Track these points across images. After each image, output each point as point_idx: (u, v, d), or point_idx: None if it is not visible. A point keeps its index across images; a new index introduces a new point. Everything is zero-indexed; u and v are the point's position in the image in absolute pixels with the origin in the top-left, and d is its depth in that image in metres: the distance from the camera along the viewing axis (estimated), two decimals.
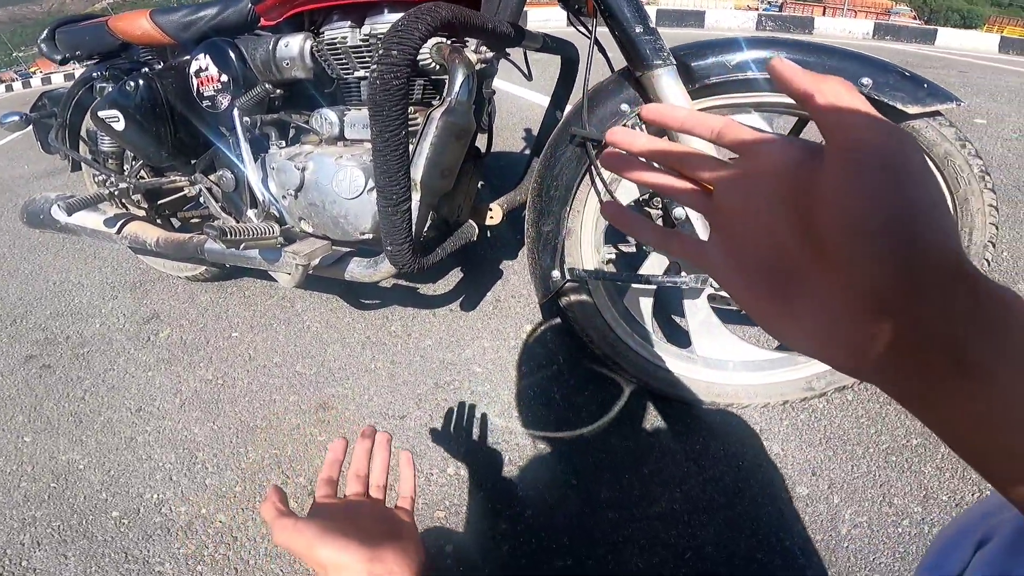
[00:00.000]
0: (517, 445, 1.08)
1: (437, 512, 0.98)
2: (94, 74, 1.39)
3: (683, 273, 0.96)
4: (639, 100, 0.87)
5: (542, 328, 1.40)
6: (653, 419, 1.10)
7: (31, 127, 1.63)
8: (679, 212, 0.86)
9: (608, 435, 1.07)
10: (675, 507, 0.93)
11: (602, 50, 0.97)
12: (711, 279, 0.90)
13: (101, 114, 1.26)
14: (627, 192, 0.96)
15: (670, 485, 0.97)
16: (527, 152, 2.37)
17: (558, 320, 1.40)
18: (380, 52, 0.72)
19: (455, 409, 1.18)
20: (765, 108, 0.89)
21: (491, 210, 1.21)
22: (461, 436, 1.12)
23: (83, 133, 1.58)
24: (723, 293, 0.99)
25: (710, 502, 0.93)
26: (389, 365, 1.34)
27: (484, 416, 1.16)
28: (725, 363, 1.04)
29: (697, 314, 1.02)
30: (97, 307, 1.81)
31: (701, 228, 0.88)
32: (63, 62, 1.51)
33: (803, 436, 1.02)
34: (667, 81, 0.80)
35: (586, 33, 0.94)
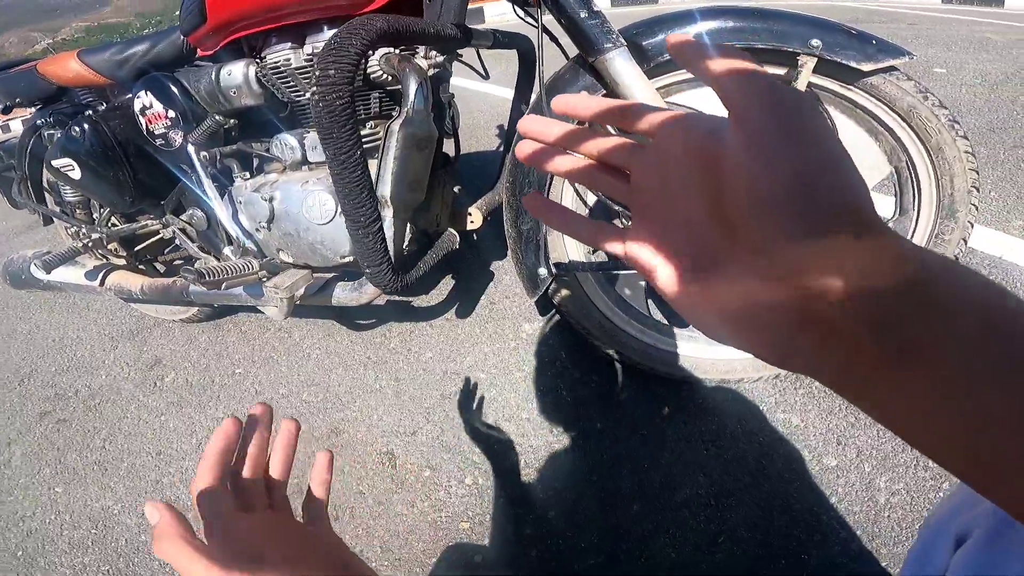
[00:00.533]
0: (531, 447, 1.07)
1: (461, 523, 0.97)
2: (39, 121, 1.33)
3: None
4: (597, 86, 0.82)
5: (540, 326, 1.38)
6: (664, 404, 1.07)
7: None
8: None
9: (620, 426, 1.06)
10: (700, 492, 0.91)
11: (553, 39, 0.92)
12: None
13: (55, 163, 1.21)
14: None
15: (691, 470, 0.95)
16: (501, 149, 2.31)
17: (556, 315, 1.38)
18: (318, 73, 0.68)
19: (465, 418, 1.17)
20: None
21: (470, 215, 1.17)
22: (474, 445, 1.11)
23: (45, 184, 1.54)
24: None
25: (735, 483, 0.91)
26: (394, 383, 1.32)
27: (494, 421, 1.14)
28: None
29: None
30: (100, 359, 1.81)
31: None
32: (5, 110, 1.45)
33: (821, 404, 0.99)
34: (620, 64, 0.76)
35: (533, 24, 0.89)
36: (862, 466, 0.88)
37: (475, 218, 1.16)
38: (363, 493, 1.08)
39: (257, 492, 0.40)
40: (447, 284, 1.65)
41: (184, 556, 0.30)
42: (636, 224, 0.24)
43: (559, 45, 0.96)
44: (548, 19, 0.82)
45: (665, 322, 1.04)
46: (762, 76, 0.19)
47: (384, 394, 1.30)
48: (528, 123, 0.27)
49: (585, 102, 0.25)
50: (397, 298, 1.63)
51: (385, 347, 1.46)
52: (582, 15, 0.75)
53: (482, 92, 3.70)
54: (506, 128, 1.33)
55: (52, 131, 1.30)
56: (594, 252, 1.00)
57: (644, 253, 0.23)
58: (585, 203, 0.94)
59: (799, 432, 0.96)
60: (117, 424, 1.48)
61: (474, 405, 1.19)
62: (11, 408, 1.69)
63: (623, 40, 0.76)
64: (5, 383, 1.83)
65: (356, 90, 0.90)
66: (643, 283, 1.02)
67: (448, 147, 1.28)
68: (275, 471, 0.44)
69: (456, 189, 1.18)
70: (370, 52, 0.87)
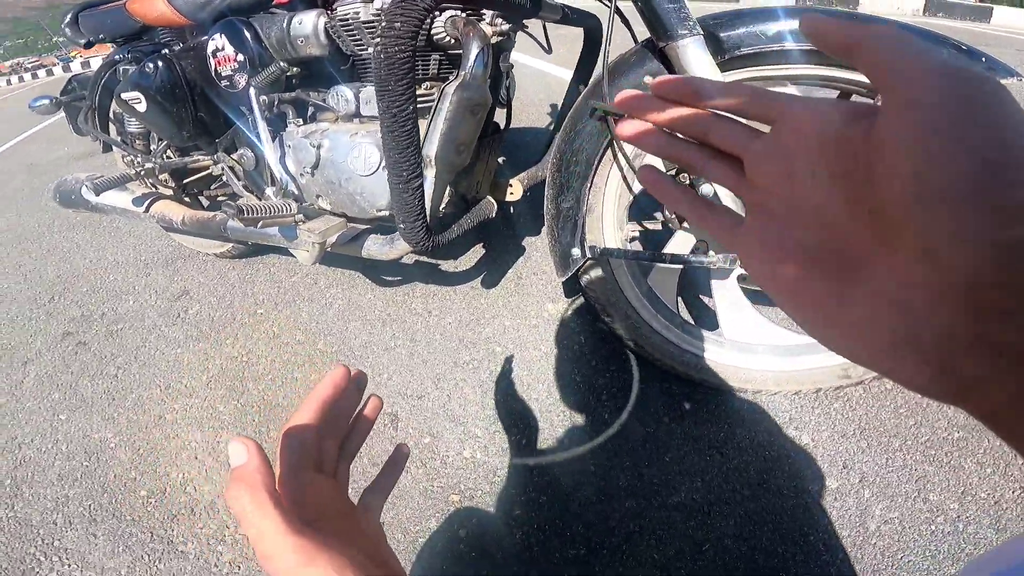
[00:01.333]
0: (535, 429, 1.07)
1: (452, 495, 0.98)
2: (117, 56, 1.40)
3: (711, 252, 0.92)
4: (663, 72, 0.82)
5: (563, 308, 1.38)
6: (676, 405, 1.06)
7: (62, 110, 1.67)
8: (706, 189, 0.81)
9: (628, 420, 1.05)
10: (695, 497, 0.90)
11: (624, 21, 0.91)
12: (738, 260, 0.85)
13: (124, 96, 1.27)
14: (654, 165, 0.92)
15: (691, 474, 0.94)
16: (551, 128, 2.32)
17: (581, 299, 1.37)
18: (384, 24, 0.70)
19: (474, 390, 1.18)
20: (802, 81, 0.83)
21: (511, 186, 1.18)
22: (479, 418, 1.11)
23: (111, 115, 1.61)
24: None
25: (733, 493, 0.90)
26: (409, 343, 1.34)
27: (502, 397, 1.15)
28: (754, 347, 0.99)
29: (726, 295, 0.98)
30: (131, 284, 1.88)
31: (734, 207, 0.84)
32: (87, 45, 1.52)
33: (836, 426, 0.97)
34: (693, 52, 0.75)
35: (605, 3, 0.89)
36: (862, 492, 0.87)
37: (515, 190, 1.17)
38: (359, 452, 1.09)
39: (330, 457, 0.37)
40: (476, 253, 1.65)
41: (259, 510, 0.26)
42: (752, 218, 0.21)
43: (630, 28, 0.95)
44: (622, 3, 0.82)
45: (691, 322, 1.03)
46: (935, 53, 0.16)
47: (398, 353, 1.31)
48: (629, 99, 0.25)
49: (690, 82, 0.23)
50: (425, 259, 1.65)
51: (406, 306, 1.47)
52: (667, 6, 0.75)
53: (538, 70, 3.70)
54: (559, 107, 1.33)
55: (128, 66, 1.36)
56: (631, 241, 1.00)
57: (760, 251, 0.20)
58: (631, 190, 0.94)
59: (808, 451, 0.94)
60: (134, 353, 1.52)
61: (485, 378, 1.20)
62: (36, 325, 1.76)
63: (700, 29, 0.76)
64: (36, 299, 1.91)
65: (418, 48, 0.92)
66: (676, 279, 1.01)
67: (499, 117, 1.29)
68: (349, 443, 0.41)
69: (500, 159, 1.18)
70: (437, 11, 0.88)
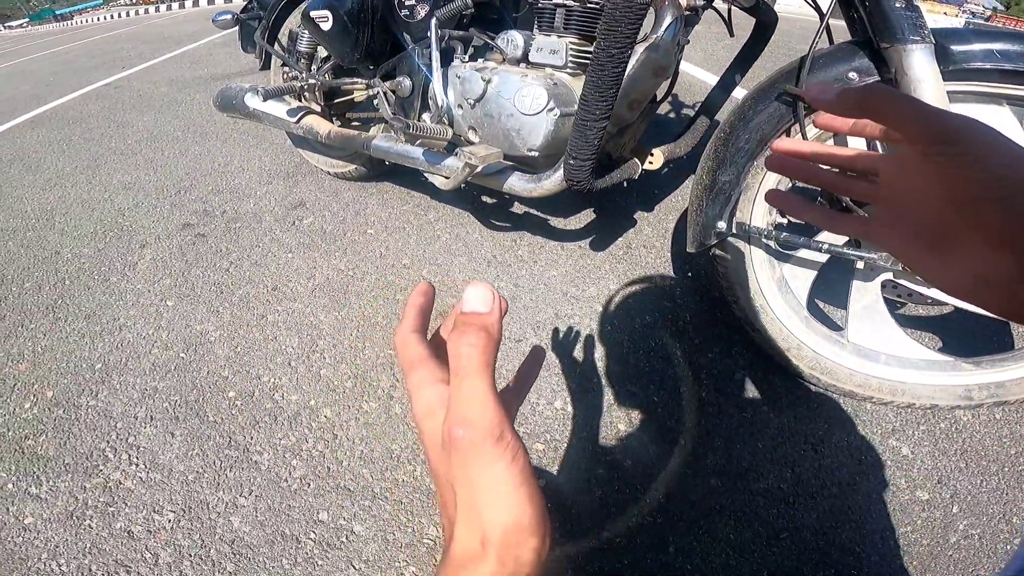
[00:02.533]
0: (629, 392, 1.07)
1: (537, 444, 0.98)
2: None
3: (865, 249, 0.90)
4: (872, 71, 0.82)
5: (672, 281, 1.38)
6: (778, 395, 1.05)
7: (237, 27, 1.83)
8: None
9: (727, 402, 1.04)
10: (782, 487, 0.90)
11: (822, 19, 0.92)
12: (892, 258, 0.84)
13: (313, 14, 1.37)
14: None
15: (782, 464, 0.93)
16: (673, 115, 2.32)
17: (690, 278, 1.37)
18: None
19: (572, 343, 1.20)
20: (1018, 102, 0.82)
21: (652, 154, 1.20)
22: (574, 372, 1.13)
23: (282, 34, 1.74)
24: (903, 281, 0.92)
25: (820, 488, 0.90)
26: (512, 287, 1.38)
27: (601, 357, 1.16)
28: (877, 355, 0.98)
29: (864, 298, 0.96)
30: (253, 189, 2.02)
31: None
32: None
33: (938, 444, 0.96)
34: (919, 58, 0.76)
35: (811, 4, 0.90)
36: (951, 506, 0.87)
37: (656, 159, 1.19)
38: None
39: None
40: (587, 216, 1.67)
41: (484, 369, 0.24)
42: (879, 210, 0.30)
43: (829, 33, 0.96)
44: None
45: (815, 319, 1.01)
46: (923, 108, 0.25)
47: (501, 295, 1.35)
48: (782, 143, 0.35)
49: (840, 116, 0.31)
50: (536, 211, 1.69)
51: (512, 252, 1.51)
52: (897, 5, 0.76)
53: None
54: (709, 94, 1.34)
55: None
56: (776, 227, 0.99)
57: (887, 232, 0.29)
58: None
59: (904, 462, 0.94)
60: (247, 251, 1.62)
61: (585, 334, 1.21)
62: (159, 213, 1.91)
63: (933, 37, 0.76)
64: (163, 190, 2.08)
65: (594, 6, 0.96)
66: (813, 273, 1.00)
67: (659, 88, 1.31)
68: None
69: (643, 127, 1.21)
70: None
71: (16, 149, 2.85)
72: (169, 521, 0.91)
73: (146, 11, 15.71)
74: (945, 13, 5.01)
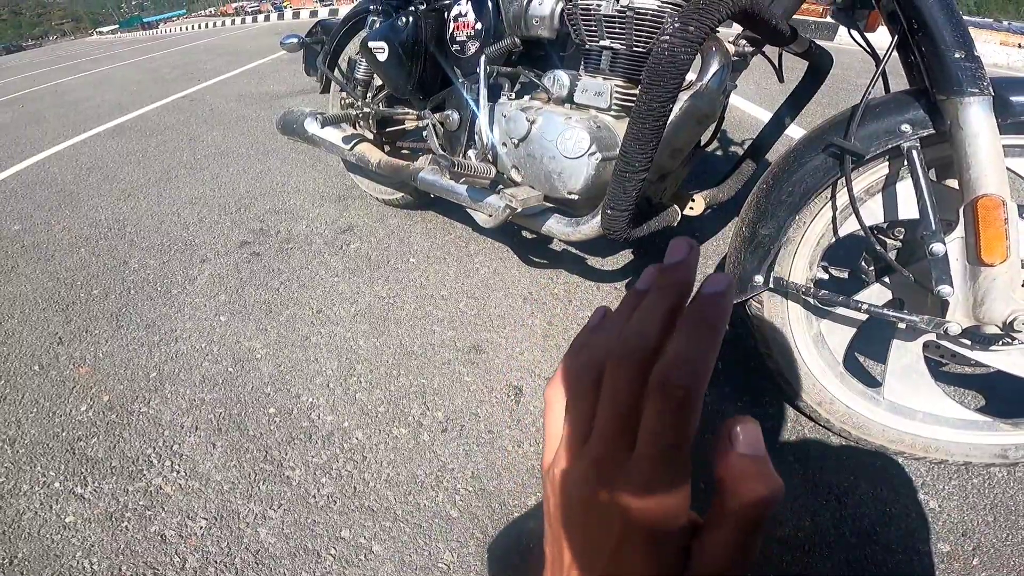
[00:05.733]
0: None
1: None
2: (369, 7, 1.61)
3: (906, 311, 0.87)
4: (927, 123, 0.79)
5: None
6: (806, 446, 1.03)
7: (303, 50, 1.95)
8: (938, 248, 0.77)
9: None
10: (800, 535, 0.89)
11: (884, 72, 0.90)
12: (943, 326, 0.80)
13: (370, 44, 1.46)
14: (871, 214, 0.89)
15: (802, 512, 0.92)
16: (720, 153, 2.29)
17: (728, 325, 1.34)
18: (677, 25, 0.74)
19: None
20: None
21: (693, 200, 1.19)
22: None
23: (341, 61, 1.85)
24: (945, 343, 0.87)
25: (839, 537, 0.88)
26: (545, 325, 1.39)
27: None
28: (914, 412, 0.95)
29: (903, 357, 0.93)
30: (307, 211, 2.13)
31: (958, 266, 0.79)
32: None
33: (968, 498, 0.93)
34: (977, 111, 0.73)
35: (867, 49, 0.88)
36: (972, 559, 0.85)
37: (697, 205, 1.18)
38: (478, 416, 1.14)
39: None
40: (626, 256, 1.67)
41: None
42: None
43: (885, 80, 0.94)
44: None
45: (849, 375, 0.98)
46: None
47: (533, 331, 1.37)
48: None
49: None
50: (574, 250, 1.70)
51: (548, 290, 1.53)
52: (957, 56, 0.73)
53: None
54: (758, 135, 1.32)
55: (377, 17, 1.57)
56: (815, 282, 0.97)
57: None
58: (836, 232, 0.92)
59: (931, 515, 0.91)
60: (297, 272, 1.70)
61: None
62: (220, 229, 2.03)
63: (992, 90, 0.73)
64: (226, 207, 2.22)
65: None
66: (852, 330, 0.97)
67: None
68: None
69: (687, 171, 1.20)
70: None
71: (96, 158, 3.11)
72: (201, 528, 0.95)
73: (223, 23, 16.90)
74: (1020, 45, 4.69)
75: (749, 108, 2.95)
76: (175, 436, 1.13)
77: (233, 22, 16.95)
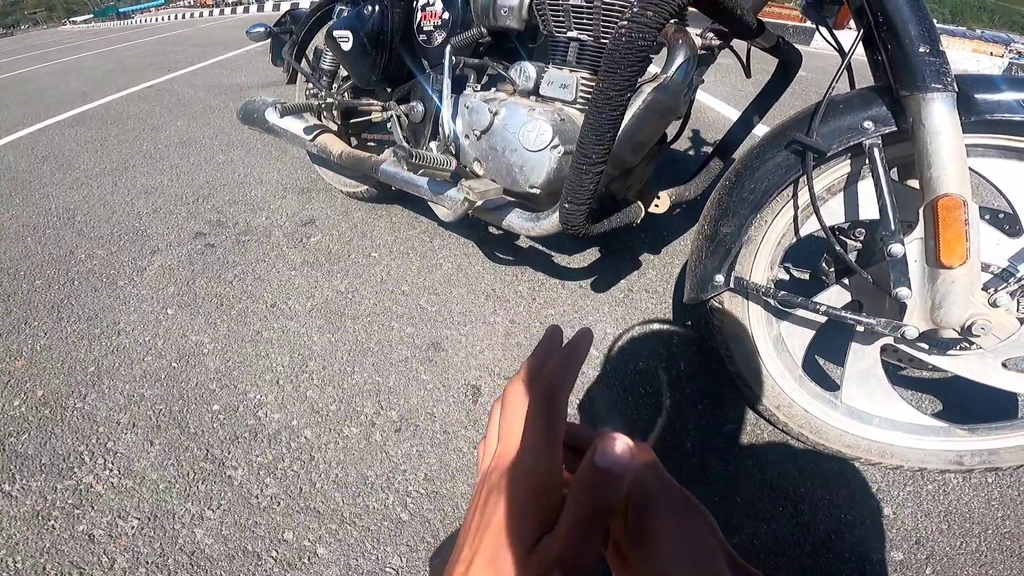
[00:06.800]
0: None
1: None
2: None
3: (865, 313, 0.85)
4: (889, 120, 0.77)
5: (671, 329, 1.33)
6: (763, 450, 1.01)
7: (270, 40, 1.88)
8: (897, 249, 0.76)
9: (710, 454, 1.00)
10: (755, 542, 0.87)
11: (848, 68, 0.88)
12: (901, 329, 0.79)
13: (335, 33, 1.40)
14: (831, 213, 0.87)
15: (758, 519, 0.90)
16: (691, 152, 2.28)
17: (688, 327, 1.32)
18: (635, 10, 0.71)
19: None
20: None
21: (658, 198, 1.16)
22: None
23: (308, 51, 1.78)
24: (903, 346, 0.86)
25: (794, 545, 0.86)
26: (507, 323, 1.35)
27: (588, 401, 1.12)
28: (870, 417, 0.93)
29: (861, 360, 0.91)
30: (267, 202, 2.05)
31: (917, 268, 0.77)
32: None
33: (922, 505, 0.92)
34: (940, 108, 0.71)
35: (833, 45, 0.87)
36: (924, 568, 0.84)
37: (662, 203, 1.15)
38: (433, 416, 1.10)
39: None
40: (593, 254, 1.64)
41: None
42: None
43: (851, 77, 0.92)
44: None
45: (808, 378, 0.96)
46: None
47: (495, 330, 1.32)
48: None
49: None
50: (540, 247, 1.66)
51: (512, 287, 1.49)
52: (922, 50, 0.71)
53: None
54: (726, 133, 1.30)
55: (344, 6, 1.51)
56: (776, 282, 0.95)
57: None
58: (797, 232, 0.90)
59: (885, 522, 0.90)
60: (253, 265, 1.63)
61: (576, 378, 1.18)
62: (175, 220, 1.94)
63: (956, 86, 0.72)
64: (182, 197, 2.13)
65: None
66: (812, 332, 0.95)
67: (670, 128, 1.28)
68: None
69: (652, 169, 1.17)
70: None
71: (52, 146, 2.97)
72: (132, 528, 0.91)
73: (201, 14, 16.49)
74: (991, 53, 4.84)
75: (722, 108, 2.97)
76: (110, 433, 1.08)
77: (211, 12, 16.56)
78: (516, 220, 1.10)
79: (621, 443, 0.22)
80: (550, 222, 1.03)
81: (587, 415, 1.09)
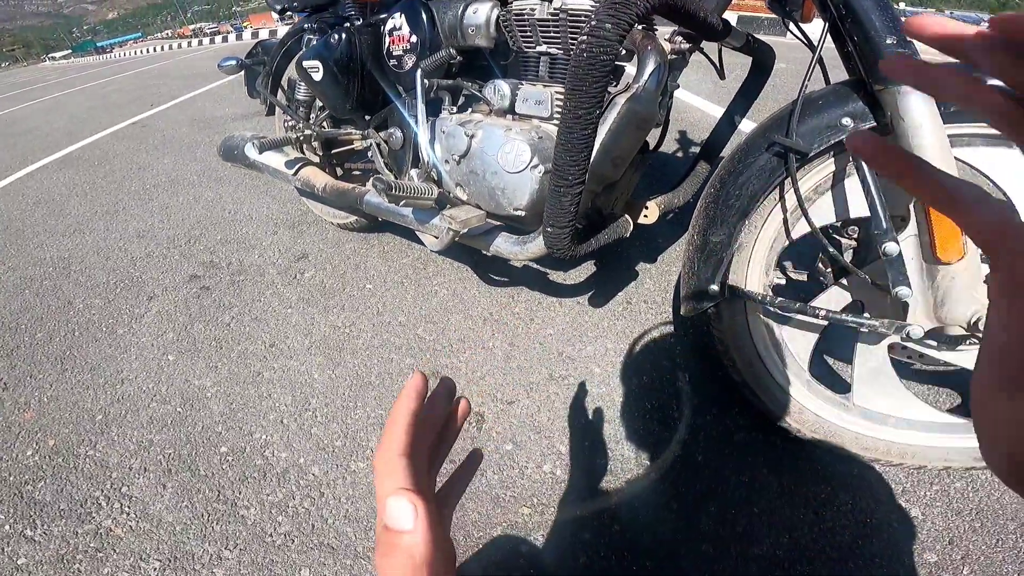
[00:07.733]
0: (621, 456, 1.02)
1: (523, 508, 0.95)
2: (305, 25, 1.54)
3: (867, 314, 0.83)
4: (867, 116, 0.75)
5: (672, 340, 1.31)
6: (779, 457, 0.98)
7: (243, 72, 1.86)
8: (891, 248, 0.73)
9: (724, 465, 0.98)
10: (778, 552, 0.85)
11: (820, 61, 0.85)
12: (905, 329, 0.76)
13: (305, 64, 1.39)
14: (821, 214, 0.85)
15: (779, 529, 0.88)
16: (680, 154, 2.26)
17: (690, 335, 1.30)
18: (593, 23, 0.69)
19: (565, 405, 1.14)
20: None
21: (647, 208, 1.14)
22: (565, 435, 1.08)
23: (283, 82, 1.77)
24: (912, 344, 0.83)
25: (819, 553, 0.84)
26: (507, 347, 1.33)
27: (594, 419, 1.10)
28: (886, 418, 0.90)
29: (869, 361, 0.88)
30: (259, 239, 2.04)
31: (914, 266, 0.75)
32: (281, 12, 1.68)
33: (952, 504, 0.89)
34: (916, 100, 0.69)
35: (802, 40, 0.84)
36: (961, 568, 0.81)
37: (651, 213, 1.13)
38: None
39: (421, 472, 0.34)
40: (588, 269, 1.62)
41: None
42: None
43: (824, 70, 0.90)
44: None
45: (817, 382, 0.94)
46: None
47: (494, 355, 1.31)
48: (921, 19, 0.20)
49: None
50: (535, 266, 1.64)
51: (509, 310, 1.47)
52: (888, 42, 0.69)
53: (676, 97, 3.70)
54: (703, 136, 1.28)
55: (312, 36, 1.49)
56: (773, 288, 0.92)
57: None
58: (789, 235, 0.87)
59: (914, 524, 0.87)
60: (249, 305, 1.63)
61: (578, 396, 1.16)
62: (169, 264, 1.94)
63: None
64: (174, 240, 2.12)
65: None
66: (815, 335, 0.92)
67: (652, 136, 1.26)
68: (438, 452, 0.40)
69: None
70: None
71: (43, 191, 2.98)
72: (155, 569, 0.92)
73: (179, 46, 16.58)
74: None
75: (707, 108, 2.93)
76: (123, 478, 1.10)
77: (190, 44, 16.63)
78: (503, 245, 1.08)
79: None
80: (536, 245, 1.01)
81: (595, 431, 1.07)
